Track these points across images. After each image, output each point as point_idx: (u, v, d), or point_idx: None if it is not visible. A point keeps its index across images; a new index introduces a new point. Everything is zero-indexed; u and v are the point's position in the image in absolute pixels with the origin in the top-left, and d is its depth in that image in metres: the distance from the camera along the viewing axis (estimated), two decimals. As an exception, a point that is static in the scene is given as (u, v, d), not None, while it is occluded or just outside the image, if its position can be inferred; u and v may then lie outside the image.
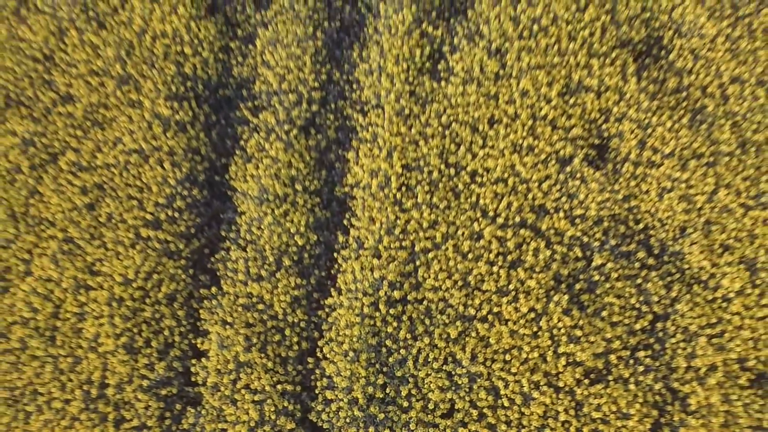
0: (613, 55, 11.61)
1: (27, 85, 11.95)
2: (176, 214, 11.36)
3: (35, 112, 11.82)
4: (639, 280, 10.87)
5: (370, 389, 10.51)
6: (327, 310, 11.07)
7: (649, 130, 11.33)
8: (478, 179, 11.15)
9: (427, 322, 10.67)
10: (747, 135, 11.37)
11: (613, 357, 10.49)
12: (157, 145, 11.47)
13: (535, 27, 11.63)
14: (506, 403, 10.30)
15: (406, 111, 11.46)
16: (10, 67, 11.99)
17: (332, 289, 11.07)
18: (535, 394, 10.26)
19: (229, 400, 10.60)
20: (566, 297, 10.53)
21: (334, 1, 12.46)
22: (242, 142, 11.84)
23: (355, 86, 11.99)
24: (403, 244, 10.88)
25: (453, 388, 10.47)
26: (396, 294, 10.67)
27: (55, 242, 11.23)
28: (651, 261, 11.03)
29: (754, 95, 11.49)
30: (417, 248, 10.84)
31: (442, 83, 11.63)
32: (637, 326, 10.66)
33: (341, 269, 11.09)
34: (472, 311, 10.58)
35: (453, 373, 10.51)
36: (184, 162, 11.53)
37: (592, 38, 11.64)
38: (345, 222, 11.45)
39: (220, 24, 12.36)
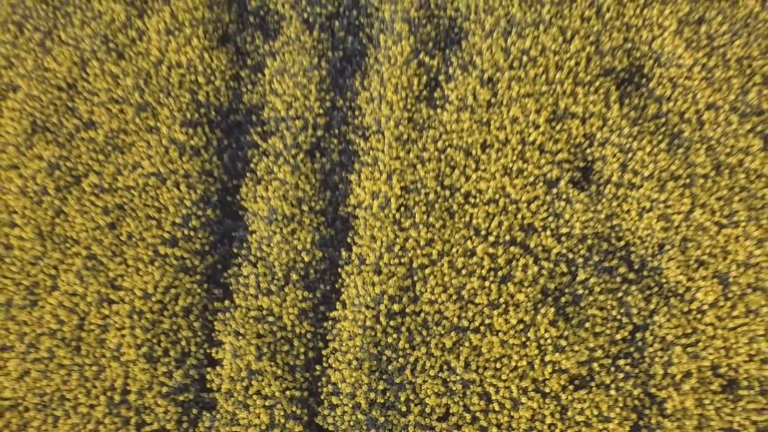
0: (597, 83, 12.55)
1: (52, 112, 12.90)
2: (191, 233, 12.31)
3: (60, 138, 12.78)
4: (620, 294, 11.81)
5: (372, 395, 11.46)
6: (332, 321, 12.02)
7: (630, 154, 12.28)
8: (472, 200, 12.10)
9: (424, 332, 11.62)
10: (721, 158, 12.31)
11: (595, 365, 11.44)
12: (173, 169, 12.42)
13: (525, 57, 12.59)
14: (497, 408, 11.25)
15: (405, 136, 12.42)
16: (36, 95, 12.93)
17: (337, 302, 12.01)
18: (524, 399, 11.21)
19: (241, 405, 11.56)
20: (552, 309, 11.48)
21: (337, 31, 13.41)
22: (252, 165, 12.80)
23: (357, 113, 12.94)
24: (402, 260, 11.83)
25: (448, 393, 11.42)
26: (395, 307, 11.62)
27: (80, 259, 12.19)
28: (631, 275, 11.98)
29: (727, 121, 12.43)
30: (415, 264, 11.79)
31: (438, 110, 12.57)
32: (618, 336, 11.61)
33: (345, 284, 12.04)
34: (466, 323, 11.53)
35: (448, 379, 11.46)
36: (199, 184, 12.48)
37: (578, 68, 12.59)
38: (348, 240, 12.40)
39: (231, 53, 13.32)
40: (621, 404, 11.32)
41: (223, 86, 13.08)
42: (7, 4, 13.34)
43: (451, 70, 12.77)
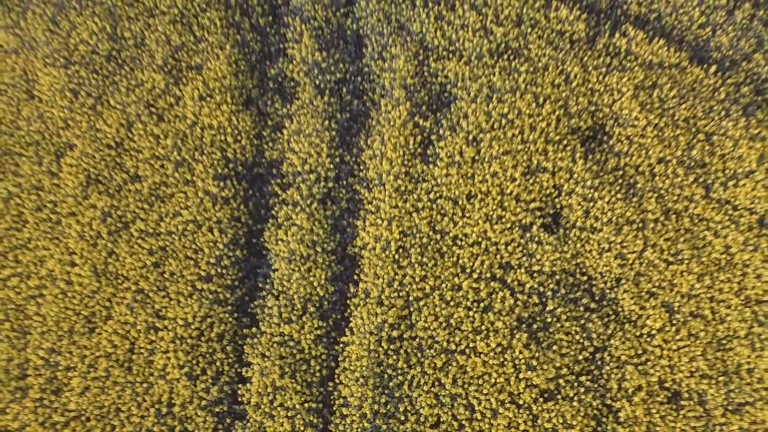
0: (565, 141, 15.06)
1: (103, 167, 15.42)
2: (223, 270, 14.84)
3: (110, 189, 15.30)
4: (583, 321, 14.32)
5: (376, 406, 13.98)
6: (342, 345, 14.54)
7: (592, 202, 14.79)
8: (459, 243, 14.61)
9: (419, 354, 14.14)
10: (669, 205, 14.81)
11: (561, 381, 13.96)
12: (207, 216, 14.95)
13: (503, 120, 15.09)
14: (479, 417, 13.78)
15: (402, 188, 14.93)
16: (89, 152, 15.44)
17: (346, 329, 14.52)
18: (501, 410, 13.73)
19: (268, 415, 14.09)
20: (526, 335, 14.00)
21: (344, 96, 15.91)
22: (273, 212, 15.33)
23: (362, 167, 15.45)
24: (401, 294, 14.35)
25: (439, 405, 13.94)
26: (395, 333, 14.15)
27: (130, 293, 14.72)
28: (593, 305, 14.50)
29: (675, 173, 14.93)
30: (411, 297, 14.32)
31: (431, 166, 15.09)
32: (581, 356, 14.13)
33: (352, 314, 14.56)
34: (454, 346, 14.05)
35: (439, 393, 13.99)
36: (229, 229, 15.01)
37: (549, 128, 15.10)
38: (355, 276, 14.92)
39: (254, 115, 15.83)
40: (582, 413, 13.83)
41: (247, 144, 15.59)
42: (64, 73, 15.84)
43: (441, 131, 15.28)
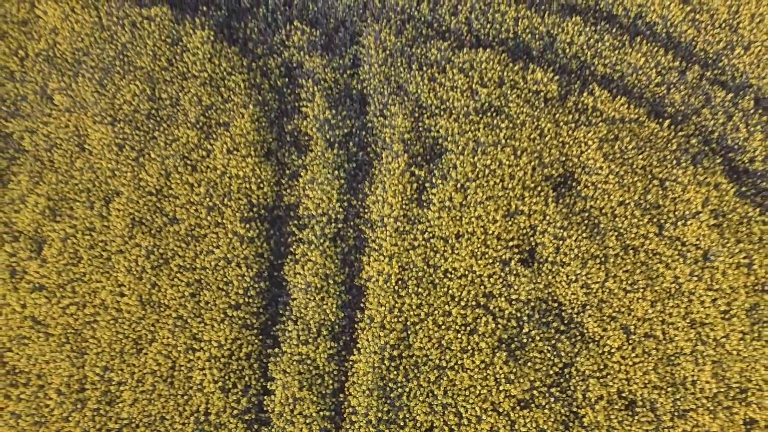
0: (539, 188, 17.95)
1: (146, 211, 18.34)
2: (250, 300, 17.76)
3: (153, 230, 18.22)
4: (553, 341, 17.22)
5: (379, 414, 16.89)
6: (351, 363, 17.46)
7: (562, 240, 17.67)
8: (449, 275, 17.52)
9: (416, 370, 17.06)
10: (627, 242, 17.70)
11: (535, 392, 16.85)
12: (236, 254, 17.87)
13: (487, 170, 17.98)
14: (466, 422, 16.69)
15: (401, 229, 17.83)
16: (134, 198, 18.37)
17: (354, 349, 17.44)
18: (485, 416, 16.64)
19: (289, 422, 17.00)
20: (505, 353, 16.90)
21: (351, 148, 18.82)
22: (292, 249, 18.22)
23: (366, 210, 18.37)
24: (399, 319, 17.27)
25: (432, 412, 16.85)
26: (395, 352, 17.06)
27: (171, 319, 17.64)
28: (562, 328, 17.39)
29: (633, 214, 17.81)
30: (408, 322, 17.23)
31: (425, 209, 17.99)
32: (552, 371, 17.03)
33: (359, 336, 17.47)
34: (444, 363, 16.96)
35: (432, 403, 16.91)
36: (254, 264, 17.93)
37: (525, 176, 17.99)
38: (362, 304, 17.83)
39: (274, 165, 18.75)
40: (553, 419, 16.73)
41: (269, 191, 18.52)
42: (111, 130, 18.76)
43: (434, 179, 18.19)
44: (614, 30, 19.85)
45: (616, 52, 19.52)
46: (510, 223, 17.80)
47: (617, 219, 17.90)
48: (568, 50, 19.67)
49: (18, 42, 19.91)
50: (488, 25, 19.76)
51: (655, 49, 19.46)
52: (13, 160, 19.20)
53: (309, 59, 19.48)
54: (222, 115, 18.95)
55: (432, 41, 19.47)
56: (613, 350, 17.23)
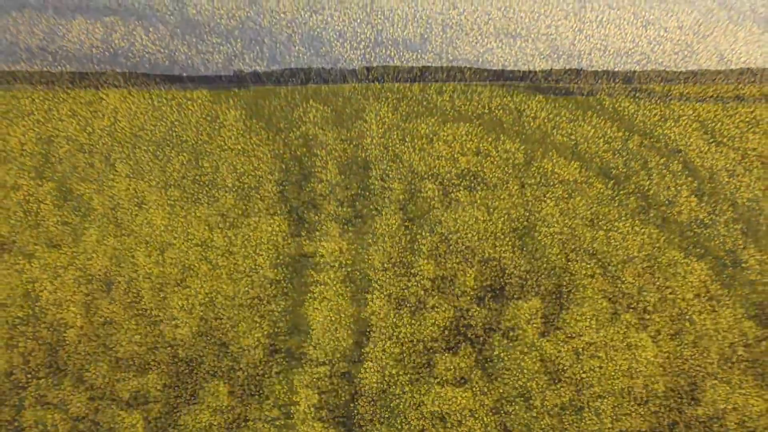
0: (507, 238, 22.88)
1: (194, 259, 23.30)
2: (278, 329, 22.74)
3: (199, 274, 23.20)
4: (518, 361, 22.15)
5: (381, 419, 21.83)
6: (359, 379, 22.42)
7: (525, 281, 22.59)
8: (435, 309, 22.47)
9: (409, 385, 22.01)
10: (577, 281, 22.64)
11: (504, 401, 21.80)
12: (267, 293, 22.84)
13: (465, 225, 22.93)
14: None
15: (398, 272, 22.77)
16: (183, 249, 23.35)
17: (361, 368, 22.42)
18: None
19: (310, 427, 21.96)
20: (480, 371, 21.85)
21: (357, 206, 23.79)
22: (311, 289, 23.21)
23: (369, 257, 23.33)
24: (396, 344, 22.23)
25: (422, 417, 21.81)
26: (393, 371, 22.01)
27: (215, 346, 22.63)
28: (525, 350, 22.32)
29: (582, 258, 22.75)
30: (404, 347, 22.20)
31: (417, 256, 22.94)
32: (517, 385, 21.98)
33: (365, 358, 22.43)
34: (432, 379, 21.93)
35: (423, 411, 21.86)
36: (281, 301, 22.90)
37: (496, 229, 22.92)
38: (367, 332, 22.81)
39: (295, 220, 23.71)
40: (518, 423, 21.67)
41: (291, 242, 23.48)
42: (164, 194, 23.77)
43: (423, 232, 23.12)
44: (570, 106, 24.80)
45: (572, 124, 24.46)
46: (484, 267, 22.73)
47: (569, 263, 22.83)
48: (532, 123, 24.61)
49: (86, 120, 24.96)
50: (468, 103, 24.74)
51: (603, 121, 24.39)
52: (85, 217, 24.23)
53: (322, 132, 24.46)
54: (253, 180, 23.92)
55: (422, 117, 24.47)
56: (565, 368, 22.17)
